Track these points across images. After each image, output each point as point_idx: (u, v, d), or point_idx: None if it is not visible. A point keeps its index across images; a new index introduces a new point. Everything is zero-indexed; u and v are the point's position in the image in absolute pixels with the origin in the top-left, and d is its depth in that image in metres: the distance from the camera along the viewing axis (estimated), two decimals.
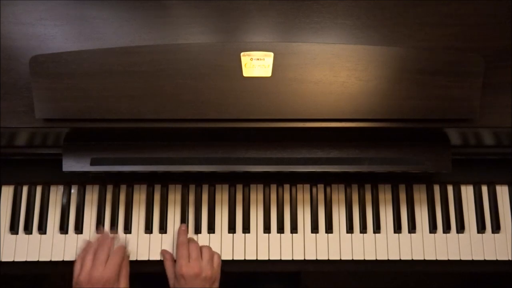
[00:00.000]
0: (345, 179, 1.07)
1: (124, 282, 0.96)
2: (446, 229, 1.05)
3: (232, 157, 0.96)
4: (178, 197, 1.07)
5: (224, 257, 1.03)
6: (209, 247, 1.01)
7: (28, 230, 1.04)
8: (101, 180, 1.06)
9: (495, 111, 0.93)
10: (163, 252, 1.02)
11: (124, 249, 0.98)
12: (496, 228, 1.05)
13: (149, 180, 1.07)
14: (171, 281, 0.98)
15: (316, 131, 0.92)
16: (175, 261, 1.00)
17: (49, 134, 0.95)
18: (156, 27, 0.96)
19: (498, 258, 1.04)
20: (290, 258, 1.04)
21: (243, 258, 1.04)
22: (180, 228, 1.03)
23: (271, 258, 1.04)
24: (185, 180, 1.07)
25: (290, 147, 0.96)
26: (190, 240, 1.01)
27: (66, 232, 1.05)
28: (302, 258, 1.04)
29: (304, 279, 1.55)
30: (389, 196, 1.07)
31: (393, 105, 0.89)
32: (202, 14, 0.98)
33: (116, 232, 1.04)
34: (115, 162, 0.96)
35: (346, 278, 1.64)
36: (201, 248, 1.00)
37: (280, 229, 1.05)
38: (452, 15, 0.97)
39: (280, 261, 1.04)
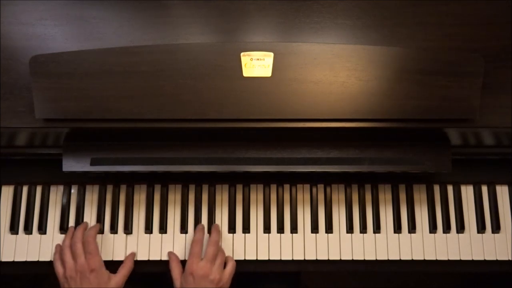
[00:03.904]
0: (345, 179, 1.07)
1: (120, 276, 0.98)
2: (446, 229, 1.05)
3: (232, 157, 0.96)
4: (178, 197, 1.07)
5: None
6: (224, 253, 1.01)
7: (28, 230, 1.04)
8: (101, 180, 1.06)
9: (495, 111, 0.93)
10: (170, 254, 1.02)
11: (94, 236, 1.00)
12: (496, 228, 1.05)
13: (149, 180, 1.07)
14: (177, 282, 0.97)
15: (316, 131, 0.92)
16: (181, 261, 1.01)
17: (49, 134, 0.95)
18: (156, 27, 0.96)
19: (498, 258, 1.04)
20: (290, 258, 1.04)
21: (243, 258, 1.04)
22: (198, 226, 1.03)
23: (271, 258, 1.04)
24: (185, 180, 1.07)
25: (290, 147, 0.96)
26: (211, 240, 1.00)
27: (66, 232, 1.04)
28: (302, 258, 1.04)
29: (304, 279, 1.55)
30: (389, 196, 1.07)
31: (393, 105, 0.89)
32: (202, 14, 0.98)
33: (116, 232, 1.04)
34: (115, 162, 0.96)
35: (346, 278, 1.64)
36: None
37: (280, 229, 1.05)
38: (452, 15, 0.97)
39: (280, 261, 1.04)
